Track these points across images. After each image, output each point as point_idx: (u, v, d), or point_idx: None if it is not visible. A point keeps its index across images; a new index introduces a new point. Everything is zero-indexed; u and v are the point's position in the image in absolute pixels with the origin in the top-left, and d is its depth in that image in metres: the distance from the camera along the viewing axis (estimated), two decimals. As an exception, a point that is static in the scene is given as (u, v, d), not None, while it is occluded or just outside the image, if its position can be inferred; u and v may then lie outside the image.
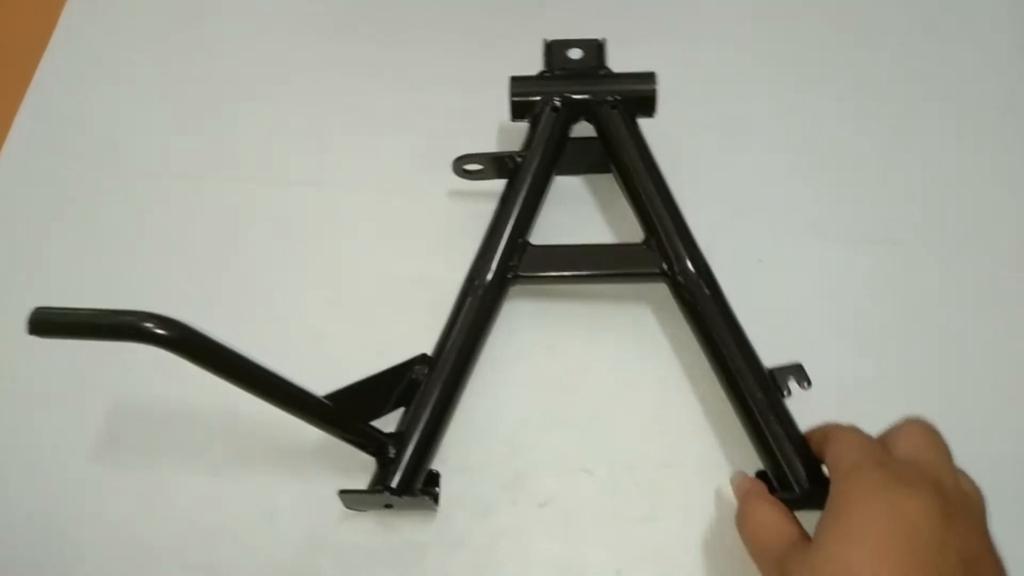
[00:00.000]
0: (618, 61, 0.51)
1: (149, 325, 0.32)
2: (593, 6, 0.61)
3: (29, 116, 0.58)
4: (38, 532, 0.44)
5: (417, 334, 0.45)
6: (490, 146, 0.54)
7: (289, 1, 0.63)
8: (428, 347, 0.45)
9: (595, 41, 0.51)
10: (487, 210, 0.49)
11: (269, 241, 0.53)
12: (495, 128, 0.55)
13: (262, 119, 0.57)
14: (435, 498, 0.43)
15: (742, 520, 0.39)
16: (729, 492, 0.42)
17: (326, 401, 0.39)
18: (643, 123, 0.50)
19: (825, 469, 0.38)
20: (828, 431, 0.39)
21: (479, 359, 0.46)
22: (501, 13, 0.62)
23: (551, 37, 0.51)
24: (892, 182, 0.54)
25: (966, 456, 0.39)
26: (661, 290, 0.47)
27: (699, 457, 0.45)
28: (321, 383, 0.40)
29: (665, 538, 0.44)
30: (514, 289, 0.48)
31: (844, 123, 0.56)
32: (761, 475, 0.43)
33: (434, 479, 0.43)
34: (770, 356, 0.44)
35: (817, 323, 0.49)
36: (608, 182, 0.50)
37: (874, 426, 0.40)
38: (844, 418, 0.42)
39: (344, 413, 0.40)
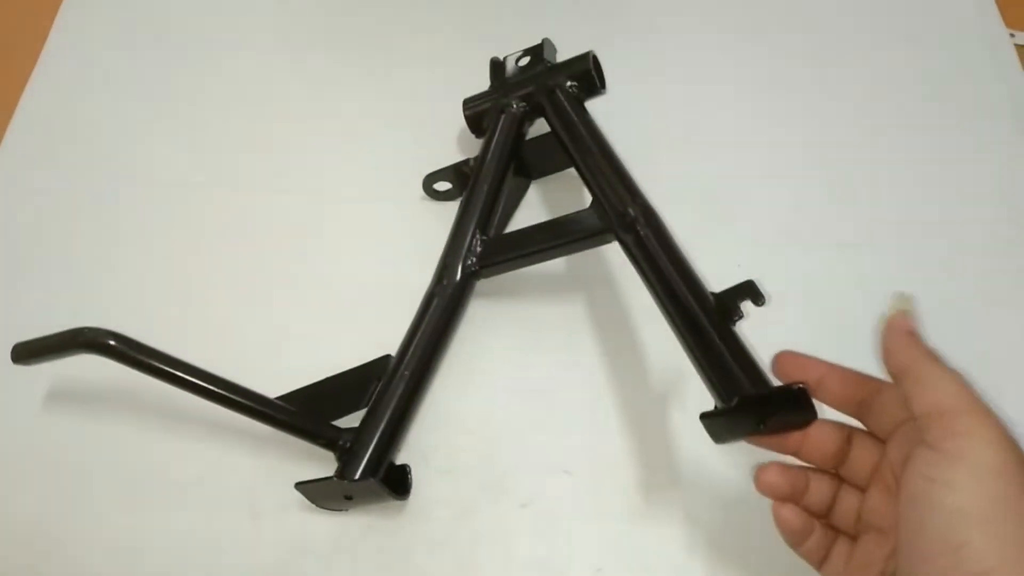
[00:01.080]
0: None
1: (84, 338, 0.40)
2: (572, 16, 0.64)
3: (20, 126, 0.59)
4: (22, 537, 0.44)
5: (390, 338, 0.46)
6: (461, 155, 0.55)
7: (268, 16, 0.65)
8: (391, 335, 0.46)
9: (537, 46, 0.53)
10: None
11: (245, 247, 0.54)
12: (468, 138, 0.56)
13: (241, 129, 0.59)
14: (405, 490, 0.43)
15: None
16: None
17: (275, 400, 0.42)
18: (625, 133, 0.50)
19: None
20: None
21: (445, 357, 0.46)
22: (474, 25, 0.64)
23: (520, 47, 0.53)
24: (862, 188, 0.55)
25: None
26: (644, 300, 0.48)
27: (678, 457, 0.45)
28: (294, 385, 0.40)
29: (645, 537, 0.43)
30: (493, 290, 0.48)
31: (816, 131, 0.58)
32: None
33: (401, 472, 0.44)
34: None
35: (793, 324, 0.50)
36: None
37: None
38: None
39: (292, 411, 0.42)
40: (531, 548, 0.43)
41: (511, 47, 0.53)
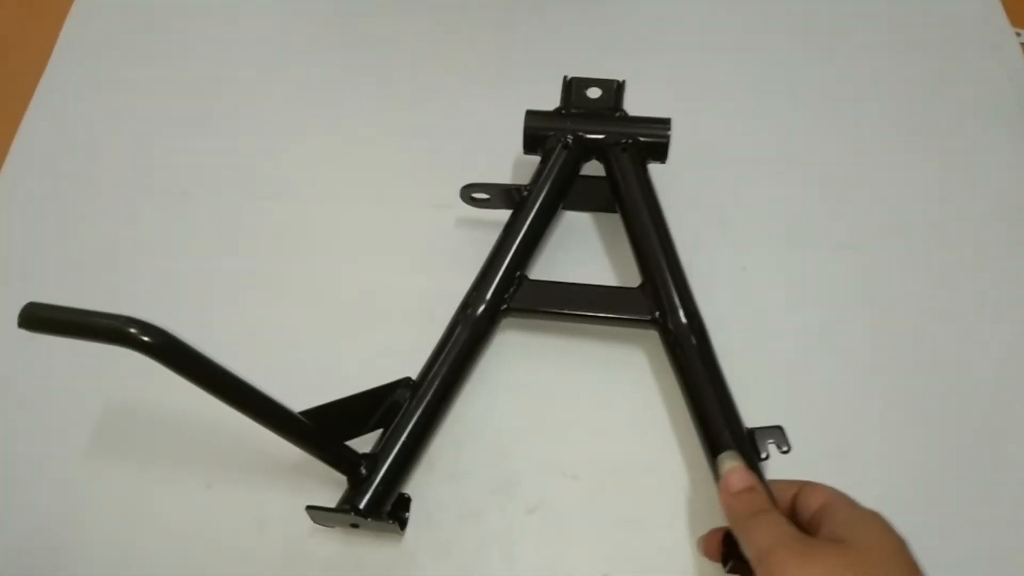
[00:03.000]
0: (598, 75, 0.51)
1: (133, 330, 0.32)
2: (579, 26, 0.64)
3: (27, 137, 0.59)
4: (29, 541, 0.44)
5: (399, 346, 0.46)
6: (473, 163, 0.55)
7: (275, 20, 0.65)
8: (409, 359, 0.46)
9: (614, 82, 0.51)
10: (471, 225, 0.50)
11: (254, 254, 0.54)
12: (481, 145, 0.56)
13: (249, 135, 0.59)
14: (402, 524, 0.43)
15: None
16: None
17: (301, 417, 0.39)
18: None
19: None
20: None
21: (464, 386, 0.46)
22: (488, 30, 0.64)
23: (567, 70, 0.51)
24: (861, 192, 0.56)
25: (932, 447, 0.46)
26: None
27: (681, 461, 0.45)
28: (303, 393, 0.41)
29: (650, 540, 0.44)
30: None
31: (816, 138, 0.58)
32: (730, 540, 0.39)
33: (404, 504, 0.43)
34: (752, 353, 0.46)
35: (794, 323, 0.50)
36: (616, 222, 0.50)
37: (841, 421, 0.46)
38: (813, 415, 0.46)
39: (317, 430, 0.40)
40: (537, 553, 0.44)
41: (517, 53, 0.53)
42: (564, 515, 0.44)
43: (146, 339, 0.32)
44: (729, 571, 0.39)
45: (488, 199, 0.50)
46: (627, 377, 0.48)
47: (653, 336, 0.46)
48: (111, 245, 0.54)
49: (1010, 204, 0.55)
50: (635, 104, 0.50)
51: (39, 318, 0.32)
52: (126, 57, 0.63)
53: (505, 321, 0.47)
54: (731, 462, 0.39)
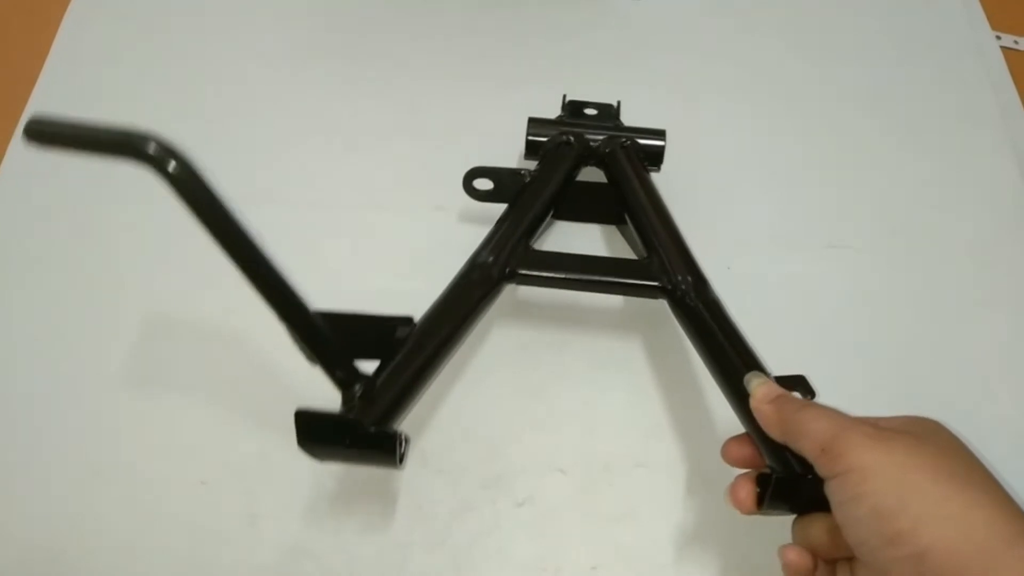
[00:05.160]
0: (591, 80, 0.52)
1: (150, 148, 0.30)
2: (576, 30, 0.64)
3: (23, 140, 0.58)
4: (21, 536, 0.44)
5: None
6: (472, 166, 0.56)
7: (274, 25, 0.65)
8: None
9: (610, 105, 0.53)
10: (471, 228, 0.50)
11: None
12: (481, 149, 0.56)
13: (248, 140, 0.59)
14: (400, 458, 0.38)
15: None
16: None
17: (309, 308, 0.36)
18: None
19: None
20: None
21: (462, 348, 0.44)
22: (487, 35, 0.64)
23: (564, 74, 0.53)
24: (845, 193, 0.57)
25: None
26: (634, 301, 0.49)
27: (670, 456, 0.46)
28: (303, 395, 0.41)
29: (639, 535, 0.44)
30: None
31: (804, 140, 0.59)
32: (764, 478, 0.38)
33: (403, 440, 0.39)
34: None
35: (781, 323, 0.51)
36: (614, 234, 0.51)
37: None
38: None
39: (322, 328, 0.36)
40: (528, 547, 0.44)
41: (516, 58, 0.54)
42: (554, 509, 0.45)
43: (164, 160, 0.30)
44: (765, 511, 0.36)
45: (491, 190, 0.50)
46: (618, 373, 0.49)
47: (645, 331, 0.47)
48: (110, 249, 0.54)
49: (996, 204, 0.56)
50: (629, 105, 0.51)
51: (45, 132, 0.30)
52: (122, 63, 0.63)
53: (498, 320, 0.48)
54: (760, 378, 0.37)
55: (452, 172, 0.54)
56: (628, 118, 0.53)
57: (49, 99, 0.60)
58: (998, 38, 0.64)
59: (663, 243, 0.46)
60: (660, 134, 0.51)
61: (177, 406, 0.47)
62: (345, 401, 0.38)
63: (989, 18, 0.65)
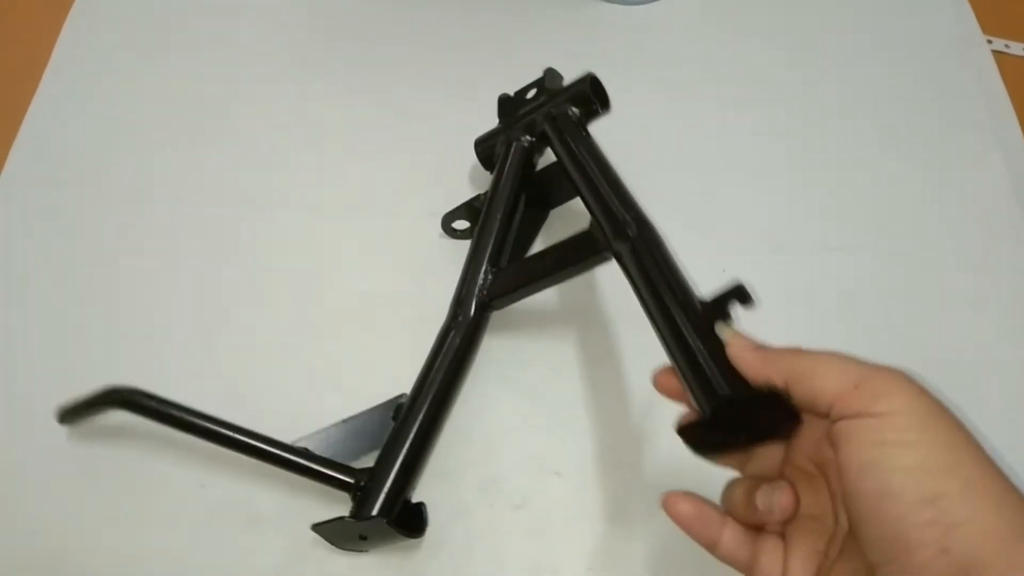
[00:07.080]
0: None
1: (116, 397, 0.44)
2: (568, 37, 0.65)
3: (24, 145, 0.59)
4: (22, 538, 0.45)
5: (396, 354, 0.47)
6: (465, 172, 0.56)
7: (271, 33, 0.66)
8: (407, 366, 0.46)
9: (540, 79, 0.53)
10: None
11: (250, 265, 0.54)
12: (471, 153, 0.57)
13: (245, 147, 0.59)
14: (418, 526, 0.43)
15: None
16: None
17: (287, 445, 0.43)
18: (615, 149, 0.50)
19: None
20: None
21: (458, 395, 0.46)
22: (481, 42, 0.65)
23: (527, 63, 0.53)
24: (838, 196, 0.57)
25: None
26: (628, 298, 0.49)
27: (664, 457, 0.47)
28: (301, 398, 0.41)
29: (634, 536, 0.44)
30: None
31: (798, 138, 0.60)
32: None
33: (417, 511, 0.43)
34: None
35: (775, 325, 0.51)
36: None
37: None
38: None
39: (306, 455, 0.43)
40: (524, 549, 0.45)
41: (508, 64, 0.54)
42: (550, 511, 0.45)
43: (124, 399, 0.44)
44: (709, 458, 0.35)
45: (468, 228, 0.52)
46: (610, 374, 0.49)
47: (638, 331, 0.47)
48: (109, 253, 0.55)
49: (986, 207, 0.57)
50: (621, 111, 0.51)
51: (69, 413, 0.46)
52: (122, 67, 0.63)
53: (496, 319, 0.48)
54: (731, 330, 0.34)
55: (446, 178, 0.55)
56: (619, 122, 0.52)
57: (51, 105, 0.61)
58: (989, 42, 0.65)
59: (593, 205, 0.44)
60: (581, 82, 0.49)
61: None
62: (352, 499, 0.42)
63: (980, 22, 0.66)
